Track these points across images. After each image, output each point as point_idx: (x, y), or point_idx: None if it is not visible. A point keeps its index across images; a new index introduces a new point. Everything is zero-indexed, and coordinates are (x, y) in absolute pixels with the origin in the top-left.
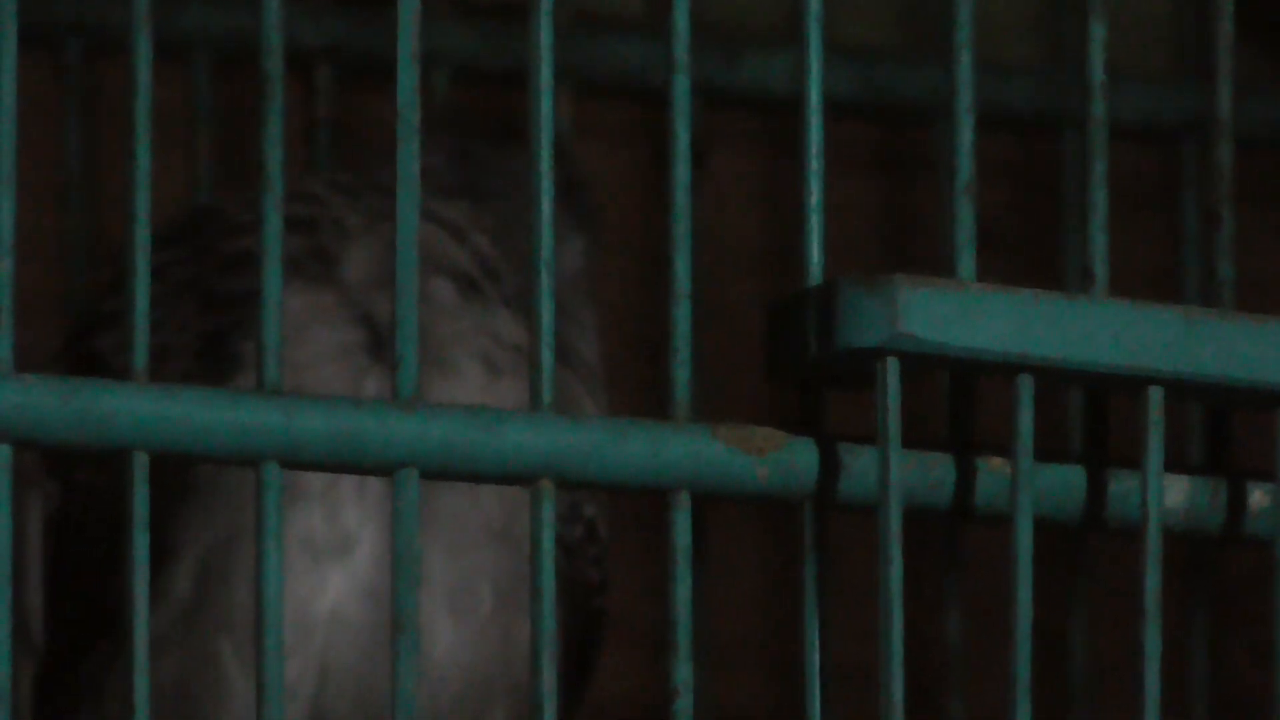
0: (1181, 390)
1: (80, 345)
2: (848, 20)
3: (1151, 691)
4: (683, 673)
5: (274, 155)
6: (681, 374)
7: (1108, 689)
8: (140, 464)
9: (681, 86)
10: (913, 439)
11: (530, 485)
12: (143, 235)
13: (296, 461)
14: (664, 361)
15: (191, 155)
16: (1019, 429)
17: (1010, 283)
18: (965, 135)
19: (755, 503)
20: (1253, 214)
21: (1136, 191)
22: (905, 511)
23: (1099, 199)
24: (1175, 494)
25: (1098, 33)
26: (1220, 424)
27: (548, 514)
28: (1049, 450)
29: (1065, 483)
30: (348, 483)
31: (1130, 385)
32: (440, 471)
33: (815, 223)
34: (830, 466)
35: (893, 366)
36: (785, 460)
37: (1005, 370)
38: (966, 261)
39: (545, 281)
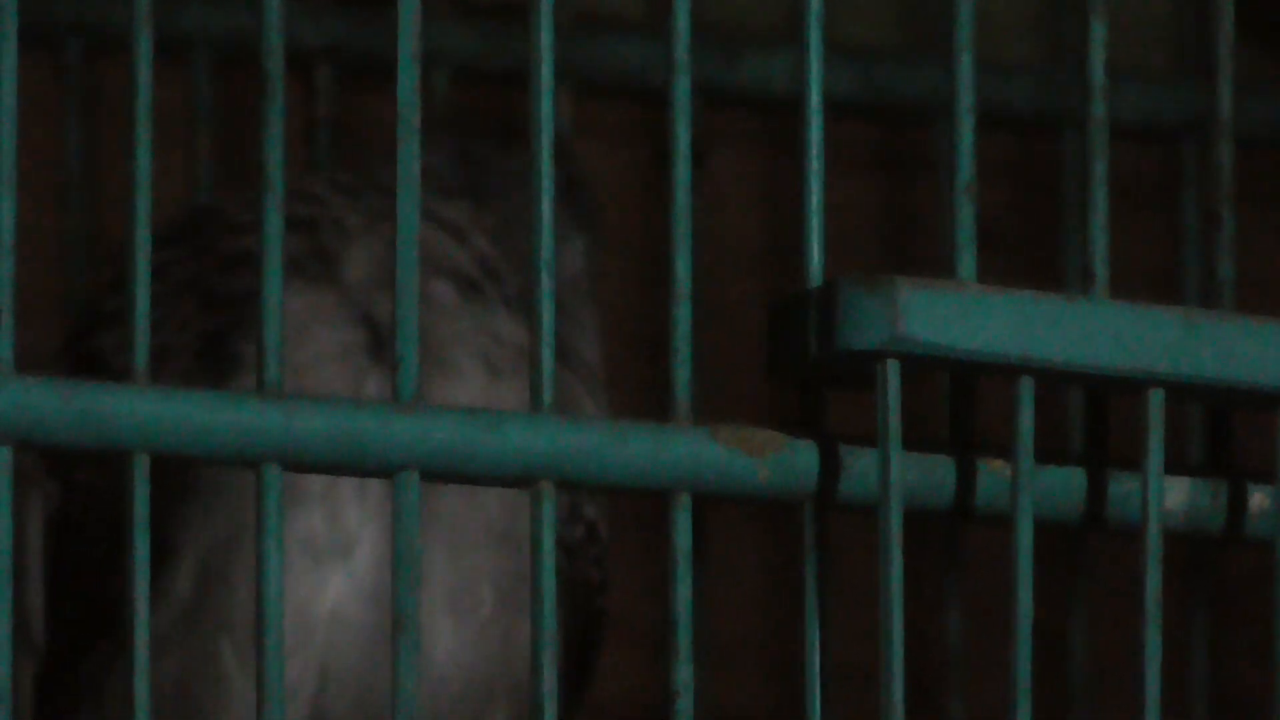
0: (1182, 391)
1: (81, 345)
2: (847, 20)
3: (1152, 692)
4: (683, 674)
5: (274, 155)
6: (682, 375)
7: (1107, 689)
8: (141, 465)
9: (682, 87)
10: (913, 440)
11: (531, 486)
12: (143, 236)
13: (297, 463)
14: (664, 361)
15: (191, 155)
16: (1019, 430)
17: (1010, 283)
18: (966, 136)
19: (756, 504)
20: (1253, 214)
21: (1136, 191)
22: (906, 512)
23: (1099, 199)
24: (1175, 495)
25: (1098, 32)
26: (1221, 425)
27: (548, 515)
28: (1049, 451)
29: (1066, 484)
30: (348, 484)
31: (1131, 386)
32: (441, 473)
33: (815, 223)
34: (831, 467)
35: (893, 368)
36: (786, 461)
37: (1006, 371)
38: (967, 262)
39: (546, 282)
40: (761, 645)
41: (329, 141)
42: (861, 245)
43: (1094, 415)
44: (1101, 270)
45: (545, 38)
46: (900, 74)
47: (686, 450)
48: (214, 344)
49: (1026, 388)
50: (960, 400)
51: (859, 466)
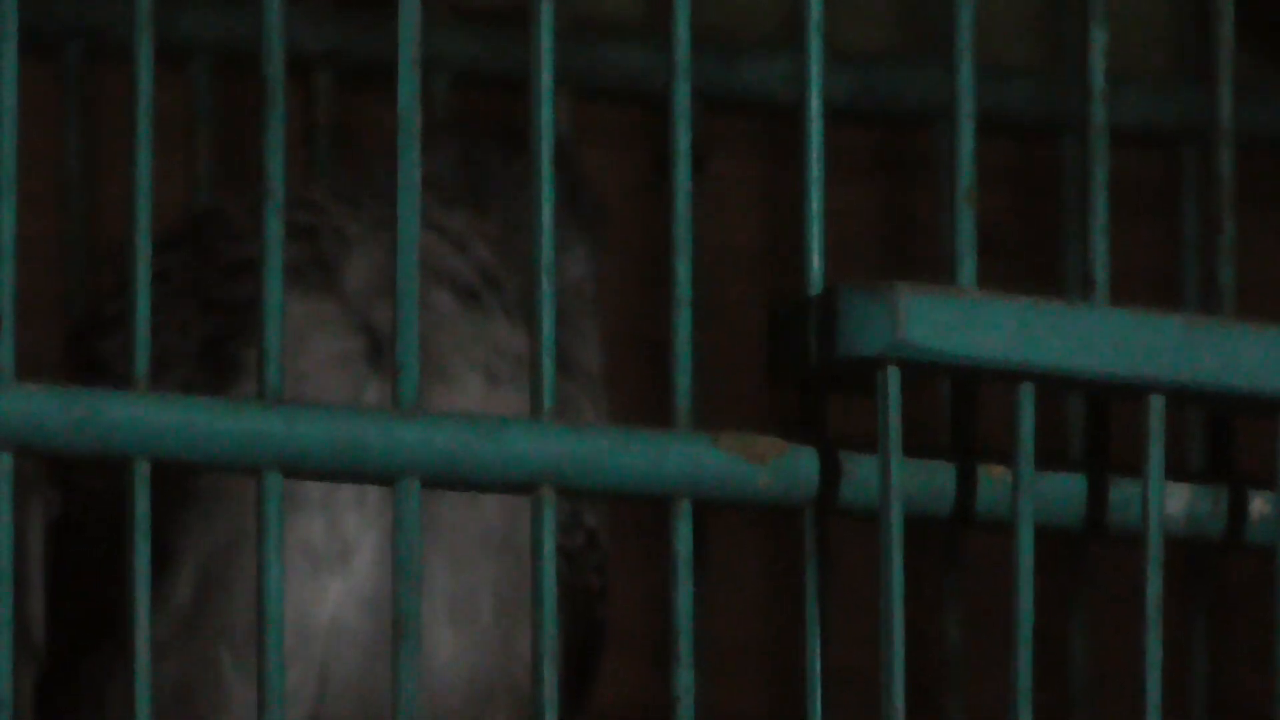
0: (1182, 397)
1: (82, 349)
2: (846, 25)
3: (1153, 697)
4: (684, 680)
5: (275, 162)
6: (683, 381)
7: (1108, 694)
8: (141, 472)
9: (683, 91)
10: (914, 446)
11: (531, 493)
12: (144, 241)
13: (298, 470)
14: (663, 364)
15: (191, 158)
16: (1020, 436)
17: (1010, 288)
18: (966, 142)
19: (757, 510)
20: (1253, 215)
21: (1136, 196)
22: (906, 518)
23: (1099, 204)
24: (1176, 501)
25: (1098, 38)
26: (1221, 431)
27: (549, 522)
28: (1050, 457)
29: (1066, 490)
30: (347, 491)
31: (1131, 392)
32: (442, 480)
33: (816, 229)
34: (831, 474)
35: (894, 374)
36: (786, 468)
37: (1006, 378)
38: (968, 268)
39: (546, 287)
40: (762, 650)
41: (328, 146)
42: (861, 250)
43: (1094, 421)
44: (1102, 276)
45: (545, 43)
46: (899, 79)
47: (687, 457)
48: (215, 350)
49: (1027, 394)
50: (961, 406)
51: (860, 472)
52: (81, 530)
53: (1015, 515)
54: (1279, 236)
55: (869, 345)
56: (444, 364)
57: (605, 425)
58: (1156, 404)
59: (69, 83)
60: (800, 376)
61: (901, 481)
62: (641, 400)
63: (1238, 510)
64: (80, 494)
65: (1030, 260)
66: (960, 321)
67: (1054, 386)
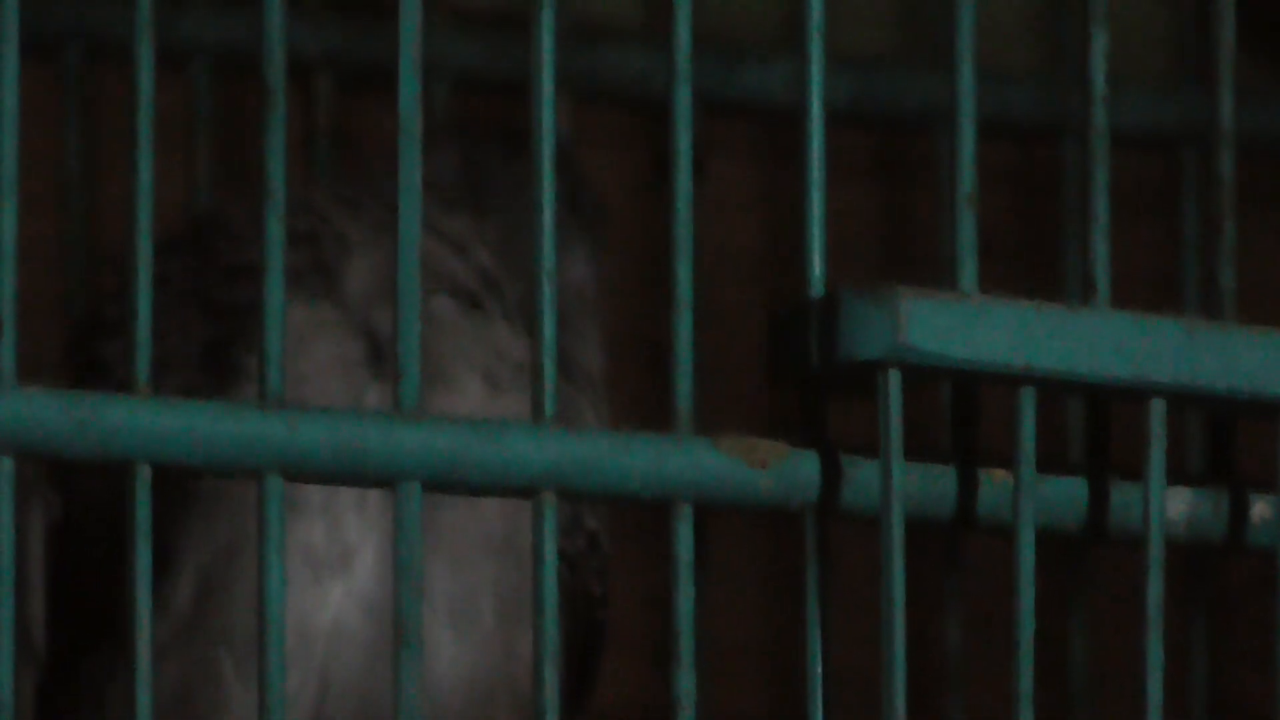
0: (1183, 400)
1: (83, 352)
2: (846, 27)
3: (1154, 700)
4: (685, 683)
5: (276, 166)
6: (684, 384)
7: (1108, 696)
8: (142, 475)
9: (683, 96)
10: (915, 449)
11: (532, 496)
12: (145, 245)
13: (299, 473)
14: (664, 367)
15: (190, 160)
16: (1021, 439)
17: (1010, 291)
18: (967, 146)
19: (758, 514)
20: (1254, 217)
21: (1137, 199)
22: (907, 521)
23: (1100, 207)
24: (1177, 504)
25: (1099, 40)
26: (1222, 434)
27: (550, 525)
28: (1051, 460)
29: (1067, 493)
30: (348, 496)
31: (1132, 396)
32: (443, 483)
33: (817, 232)
34: (832, 477)
35: (895, 378)
36: (788, 471)
37: (1007, 381)
38: (968, 272)
39: (547, 292)
40: (762, 650)
41: (328, 150)
42: (860, 253)
43: (1095, 424)
44: (1102, 278)
45: (546, 46)
46: (900, 82)
47: (688, 460)
48: (216, 354)
49: (1028, 397)
50: (962, 409)
51: (861, 477)
52: (82, 533)
53: (1016, 518)
54: (1279, 239)
55: (870, 348)
56: (444, 368)
57: (606, 428)
58: (1157, 407)
59: (69, 83)
60: (801, 379)
61: (902, 484)
62: (642, 403)
63: (1238, 513)
64: (81, 497)
65: (1031, 263)
66: (961, 325)
67: (1055, 389)
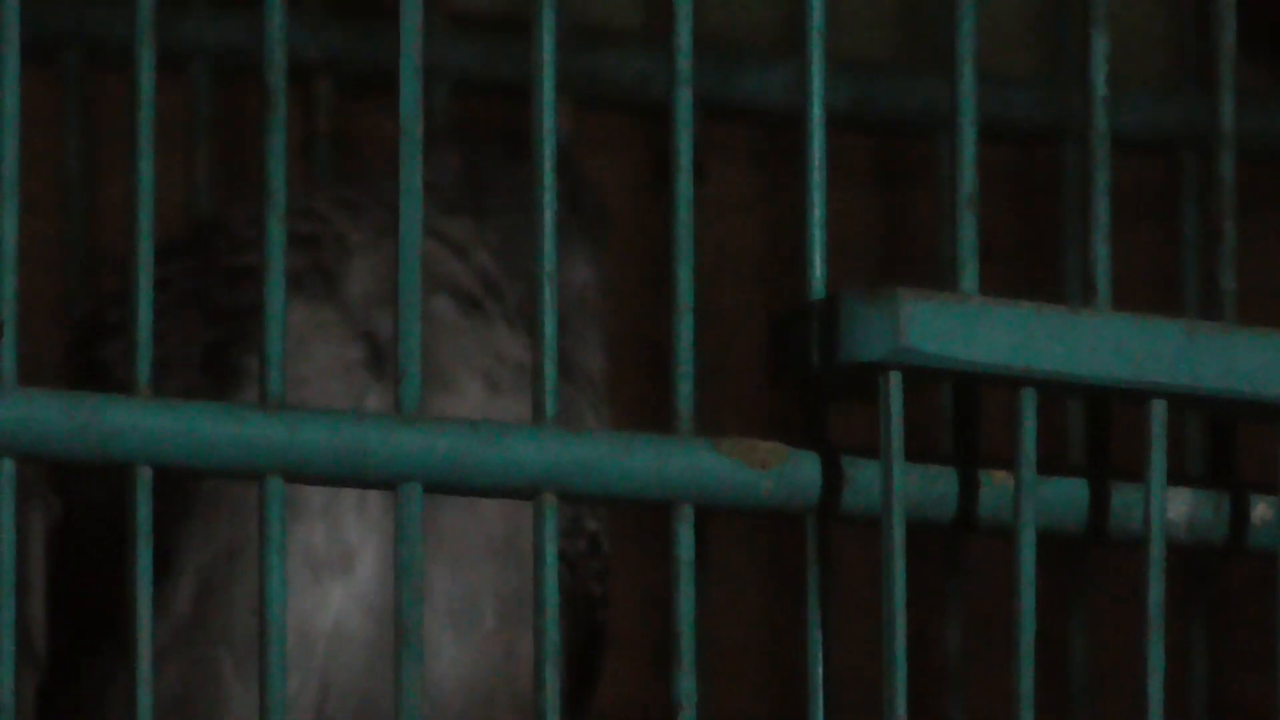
0: (1184, 402)
1: (84, 355)
2: (845, 31)
3: (1155, 701)
4: (686, 685)
5: (277, 168)
6: (684, 387)
7: (1108, 697)
8: (143, 478)
9: (684, 99)
10: (916, 451)
11: (533, 498)
12: (146, 248)
13: (300, 475)
14: (663, 368)
15: (191, 163)
16: (1022, 441)
17: (1011, 293)
18: (968, 149)
19: (758, 516)
20: (1253, 219)
21: (1137, 202)
22: (908, 523)
23: (1100, 210)
24: (1178, 506)
25: (1099, 44)
26: (1223, 436)
27: (551, 527)
28: (1052, 462)
29: (1068, 495)
30: (348, 498)
31: (1133, 398)
32: (444, 484)
33: (818, 235)
34: (833, 479)
35: (896, 380)
36: (789, 474)
37: (1008, 383)
38: (969, 274)
39: (548, 294)
40: (762, 651)
41: (328, 152)
42: (860, 255)
43: (1096, 426)
44: (1103, 281)
45: (547, 49)
46: (899, 85)
47: (689, 462)
48: (217, 357)
49: (1029, 399)
50: (962, 411)
51: (862, 479)
52: (83, 535)
53: (1017, 520)
54: (1279, 241)
55: (871, 350)
56: (445, 372)
57: (606, 430)
58: (1158, 409)
59: (69, 85)
60: (801, 381)
61: (903, 487)
62: (643, 405)
63: (1239, 515)
64: (81, 499)
65: (1031, 265)
66: (962, 327)
67: (1055, 391)
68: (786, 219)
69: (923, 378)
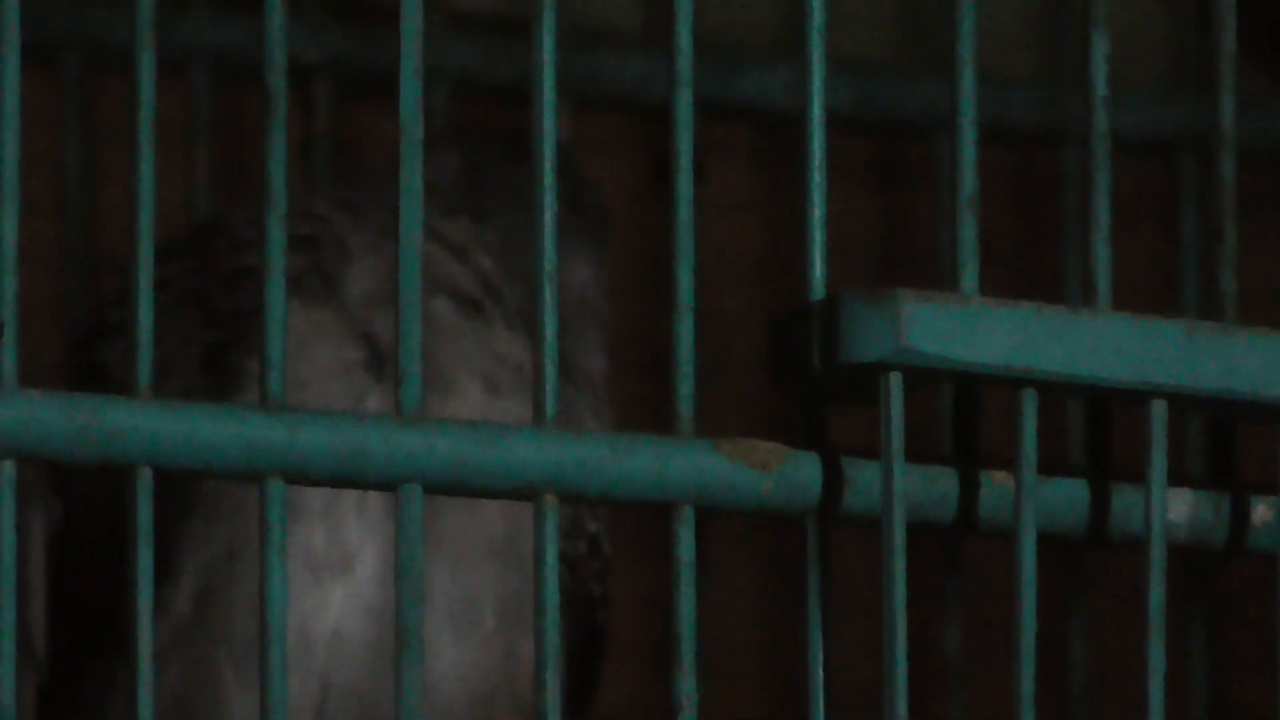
0: (1184, 403)
1: (84, 356)
2: (846, 32)
3: (1155, 703)
4: (686, 687)
5: (277, 170)
6: (685, 388)
7: (1108, 698)
8: (143, 479)
9: (684, 100)
10: (916, 452)
11: (533, 500)
12: (146, 249)
13: (300, 476)
14: (663, 370)
15: (190, 164)
16: (1022, 442)
17: (1011, 294)
18: (968, 150)
19: (759, 517)
20: (1253, 221)
21: (1137, 204)
22: (908, 524)
23: (1101, 212)
24: (1178, 507)
25: (1100, 46)
26: (1223, 437)
27: (551, 528)
28: (1052, 463)
29: (1068, 496)
30: (348, 500)
31: (1133, 398)
32: (444, 486)
33: (818, 236)
34: (834, 481)
35: (896, 381)
36: (789, 475)
37: (1008, 383)
38: (969, 275)
39: (549, 295)
40: (762, 652)
41: (328, 154)
42: (860, 256)
43: (1096, 427)
44: (1103, 282)
45: (547, 50)
46: (899, 86)
47: (689, 463)
48: (217, 358)
49: (1029, 400)
50: (963, 412)
51: (862, 480)
52: (83, 536)
53: (1017, 521)
54: (1279, 242)
55: (871, 351)
56: (444, 373)
57: (607, 431)
58: (1158, 410)
59: (69, 87)
60: (802, 383)
61: (903, 487)
62: (643, 406)
63: (1239, 516)
64: (82, 500)
65: (1031, 266)
66: (962, 328)
67: (1056, 392)
68: (786, 219)
69: (923, 378)
